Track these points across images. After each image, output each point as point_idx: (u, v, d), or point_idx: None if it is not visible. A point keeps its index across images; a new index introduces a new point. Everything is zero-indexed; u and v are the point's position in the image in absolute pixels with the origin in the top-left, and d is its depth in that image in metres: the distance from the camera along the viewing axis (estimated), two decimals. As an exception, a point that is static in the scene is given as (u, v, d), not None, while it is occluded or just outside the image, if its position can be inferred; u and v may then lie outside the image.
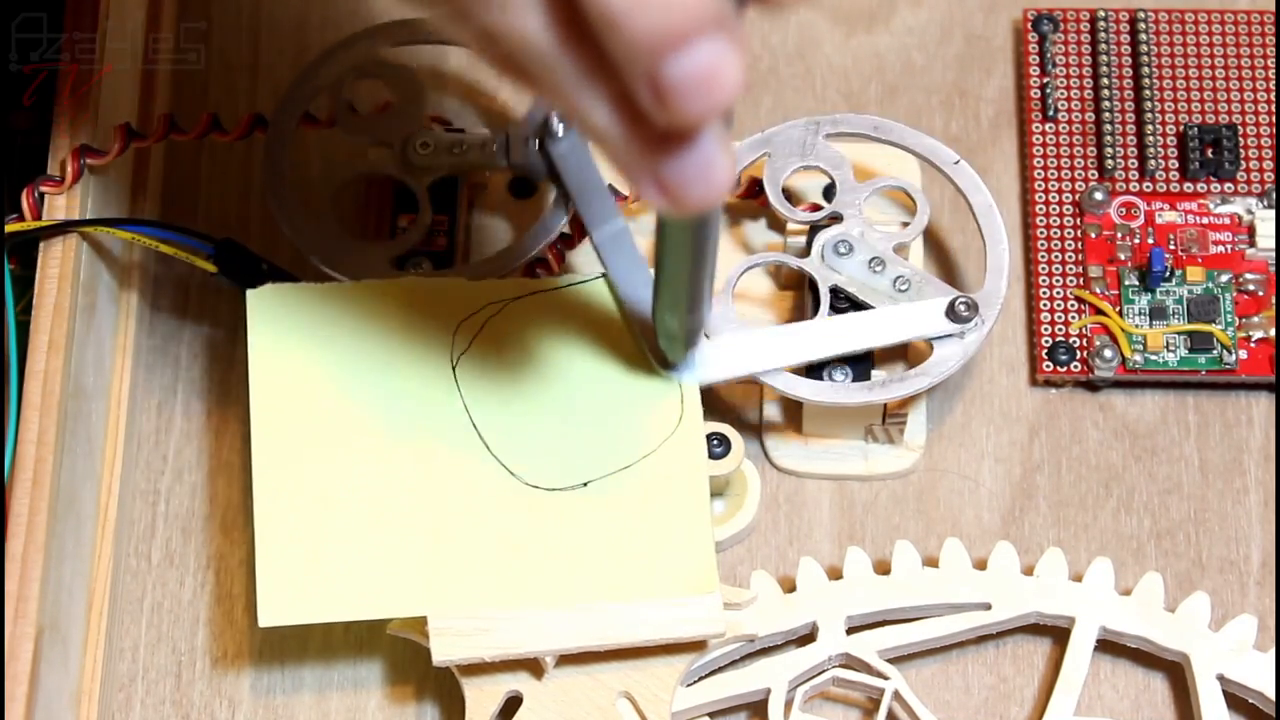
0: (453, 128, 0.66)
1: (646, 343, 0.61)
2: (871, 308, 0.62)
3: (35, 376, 0.60)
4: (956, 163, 0.64)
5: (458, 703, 0.59)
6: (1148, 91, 0.68)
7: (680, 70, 0.44)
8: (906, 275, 0.62)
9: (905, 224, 0.64)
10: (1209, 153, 0.67)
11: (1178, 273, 0.66)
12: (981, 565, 0.62)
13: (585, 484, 0.60)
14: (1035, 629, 0.62)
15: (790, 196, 0.65)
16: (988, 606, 0.61)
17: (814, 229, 0.63)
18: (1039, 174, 0.68)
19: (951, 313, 0.61)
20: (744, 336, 0.61)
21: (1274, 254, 0.66)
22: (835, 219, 0.63)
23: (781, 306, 0.65)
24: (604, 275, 0.62)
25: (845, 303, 0.62)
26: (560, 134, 0.63)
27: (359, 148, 0.65)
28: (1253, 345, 0.65)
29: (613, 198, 0.63)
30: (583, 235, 0.64)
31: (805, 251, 0.63)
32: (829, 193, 0.65)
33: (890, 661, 0.61)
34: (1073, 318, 0.66)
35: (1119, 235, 0.67)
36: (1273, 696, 0.60)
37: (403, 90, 0.65)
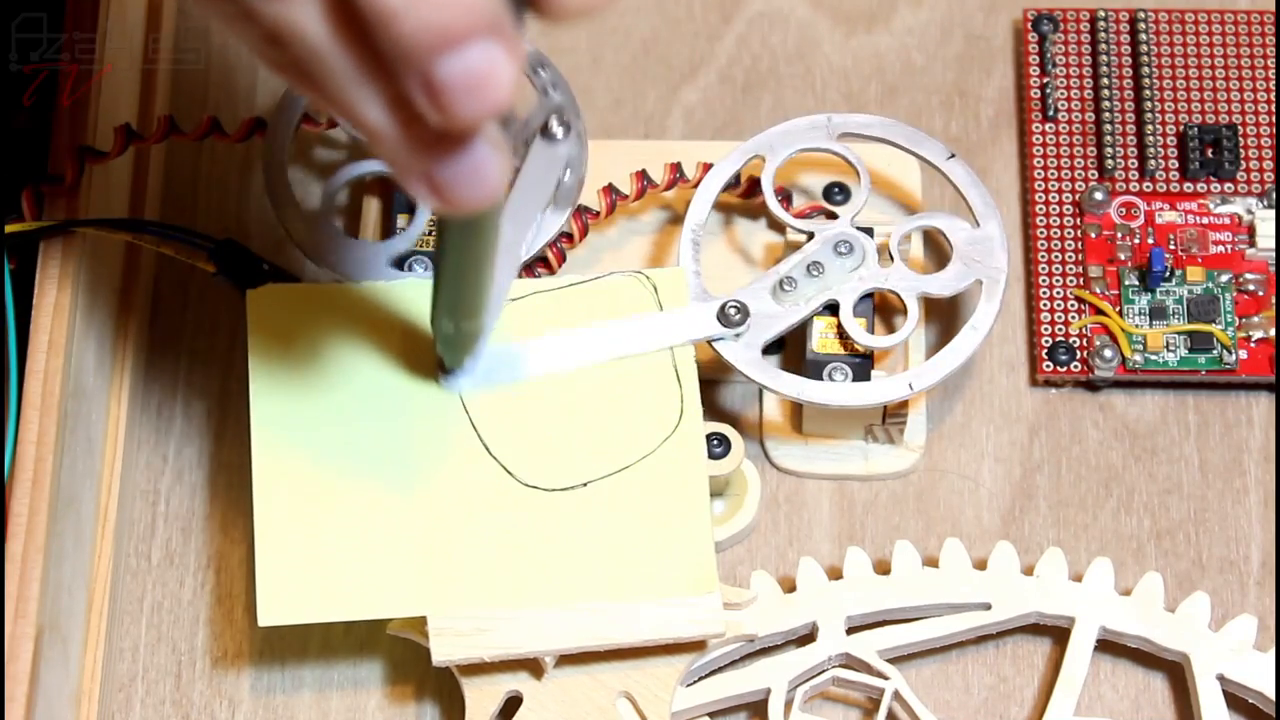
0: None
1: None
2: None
3: (35, 376, 0.60)
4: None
5: (458, 703, 0.59)
6: (1148, 91, 0.68)
7: (452, 71, 0.44)
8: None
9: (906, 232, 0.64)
10: (1209, 153, 0.67)
11: (1178, 273, 0.66)
12: (981, 565, 0.62)
13: (585, 484, 0.60)
14: (1035, 629, 0.62)
15: (789, 197, 0.65)
16: (988, 606, 0.61)
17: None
18: (1039, 174, 0.68)
19: (722, 316, 0.61)
20: (514, 347, 0.61)
21: (1274, 254, 0.66)
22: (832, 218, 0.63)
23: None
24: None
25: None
26: (559, 136, 0.63)
27: (359, 148, 0.65)
28: (1253, 345, 0.65)
29: None
30: (584, 234, 0.64)
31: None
32: (828, 193, 0.65)
33: (890, 661, 0.61)
34: (1073, 318, 0.66)
35: (1119, 235, 0.67)
36: (1273, 696, 0.60)
37: None
